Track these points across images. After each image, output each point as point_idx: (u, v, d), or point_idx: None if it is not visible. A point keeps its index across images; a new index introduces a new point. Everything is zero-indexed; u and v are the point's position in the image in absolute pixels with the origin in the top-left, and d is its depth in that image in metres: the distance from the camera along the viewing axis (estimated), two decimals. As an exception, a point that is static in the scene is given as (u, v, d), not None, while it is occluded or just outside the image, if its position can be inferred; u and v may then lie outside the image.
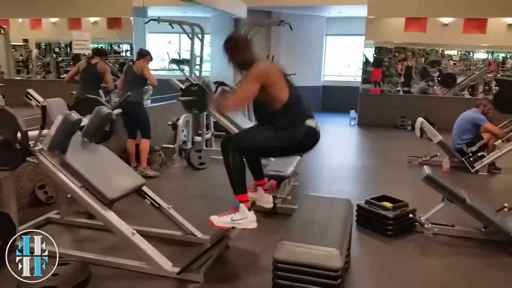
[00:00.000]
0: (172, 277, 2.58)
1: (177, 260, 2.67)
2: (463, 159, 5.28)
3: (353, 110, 9.37)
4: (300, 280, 2.12)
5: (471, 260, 3.01)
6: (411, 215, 3.34)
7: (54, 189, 3.84)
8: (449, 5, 8.63)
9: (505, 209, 3.43)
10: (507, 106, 5.17)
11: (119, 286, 2.54)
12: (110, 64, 7.50)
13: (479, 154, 5.28)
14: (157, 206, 3.14)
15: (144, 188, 3.13)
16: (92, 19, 7.47)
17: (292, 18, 8.46)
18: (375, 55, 10.43)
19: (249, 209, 2.51)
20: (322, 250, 2.12)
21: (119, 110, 3.59)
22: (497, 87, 6.64)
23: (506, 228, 3.14)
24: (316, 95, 11.06)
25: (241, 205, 2.49)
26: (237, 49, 2.49)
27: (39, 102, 3.07)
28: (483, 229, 3.30)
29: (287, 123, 2.46)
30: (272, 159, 4.22)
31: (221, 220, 2.50)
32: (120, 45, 8.41)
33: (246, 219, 2.48)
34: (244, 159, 2.53)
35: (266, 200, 2.80)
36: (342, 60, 11.90)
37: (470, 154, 5.30)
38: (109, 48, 8.31)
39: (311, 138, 2.59)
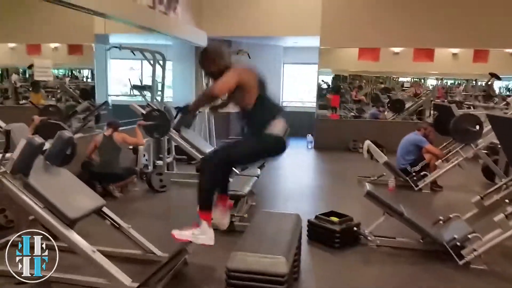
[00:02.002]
0: (132, 291, 2.73)
1: (136, 277, 2.79)
2: (407, 178, 5.71)
3: (310, 134, 9.78)
4: (251, 287, 2.33)
5: (409, 267, 3.33)
6: (355, 228, 3.64)
7: (14, 213, 3.87)
8: (398, 36, 9.20)
9: (440, 222, 3.80)
10: (444, 128, 5.66)
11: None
12: (71, 89, 7.57)
13: (421, 173, 5.72)
14: (117, 226, 3.26)
15: (104, 209, 3.26)
16: (53, 45, 7.51)
17: (251, 47, 8.88)
18: (332, 82, 10.99)
19: (209, 227, 2.69)
20: (270, 257, 2.35)
21: (79, 135, 3.74)
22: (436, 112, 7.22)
23: (440, 239, 3.49)
24: (276, 120, 11.44)
25: (203, 222, 2.67)
26: (212, 60, 2.71)
27: (1, 127, 3.18)
28: (421, 240, 3.64)
29: (262, 121, 2.64)
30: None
31: (182, 233, 2.69)
32: (81, 71, 8.43)
33: (206, 235, 2.67)
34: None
35: (223, 221, 2.95)
36: (300, 87, 12.43)
37: (414, 174, 5.74)
38: (69, 73, 8.30)
39: (281, 145, 2.75)
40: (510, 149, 3.75)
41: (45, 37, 7.09)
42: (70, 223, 2.86)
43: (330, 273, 3.18)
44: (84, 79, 8.22)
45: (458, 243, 3.37)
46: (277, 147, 2.75)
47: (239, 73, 2.66)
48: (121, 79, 11.07)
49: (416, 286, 3.03)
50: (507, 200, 3.59)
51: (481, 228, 3.50)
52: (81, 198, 3.12)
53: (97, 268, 2.77)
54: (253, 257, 2.37)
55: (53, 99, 7.01)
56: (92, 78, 7.91)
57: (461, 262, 3.27)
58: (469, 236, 3.36)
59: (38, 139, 2.88)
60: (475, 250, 3.28)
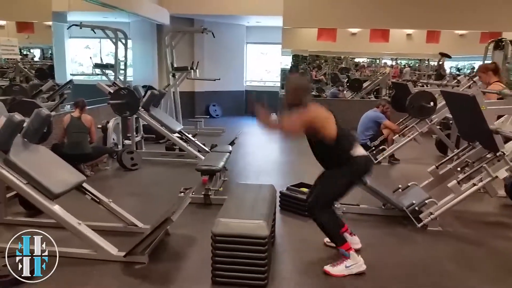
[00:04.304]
0: (119, 260, 2.85)
1: (122, 247, 2.92)
2: (367, 152, 6.06)
3: (274, 113, 9.99)
4: (235, 249, 2.53)
5: (373, 231, 3.64)
6: (324, 197, 3.90)
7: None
8: (356, 17, 9.50)
9: (399, 190, 4.15)
10: (401, 105, 6.04)
11: (71, 273, 2.73)
12: (26, 69, 7.26)
13: (380, 147, 6.11)
14: (98, 200, 3.36)
15: (84, 185, 3.34)
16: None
17: (213, 26, 8.89)
18: (292, 62, 11.24)
19: (356, 254, 2.84)
20: (251, 222, 2.56)
21: (54, 113, 3.74)
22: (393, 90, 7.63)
23: (400, 204, 3.83)
24: (240, 99, 11.58)
25: (351, 252, 2.82)
26: (296, 94, 2.90)
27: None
28: (383, 207, 3.97)
29: (345, 156, 2.80)
30: None
31: (336, 270, 2.79)
32: (31, 50, 8.07)
33: (357, 263, 2.81)
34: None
35: (354, 242, 3.14)
36: (263, 66, 12.58)
37: (373, 148, 6.12)
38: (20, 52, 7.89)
39: (371, 163, 3.00)
40: (461, 121, 4.13)
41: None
42: (54, 197, 2.93)
43: (301, 237, 3.44)
44: (36, 59, 7.87)
45: (416, 208, 3.72)
46: (367, 165, 2.94)
47: (312, 117, 2.78)
48: (76, 58, 10.75)
49: (381, 247, 3.34)
50: (458, 169, 3.99)
51: (436, 194, 3.88)
52: (62, 173, 3.18)
53: (83, 239, 2.88)
54: (236, 222, 2.57)
55: (6, 78, 6.67)
56: (43, 57, 7.65)
57: (419, 225, 3.61)
58: (426, 201, 3.72)
59: (18, 116, 2.91)
60: (431, 213, 3.63)
